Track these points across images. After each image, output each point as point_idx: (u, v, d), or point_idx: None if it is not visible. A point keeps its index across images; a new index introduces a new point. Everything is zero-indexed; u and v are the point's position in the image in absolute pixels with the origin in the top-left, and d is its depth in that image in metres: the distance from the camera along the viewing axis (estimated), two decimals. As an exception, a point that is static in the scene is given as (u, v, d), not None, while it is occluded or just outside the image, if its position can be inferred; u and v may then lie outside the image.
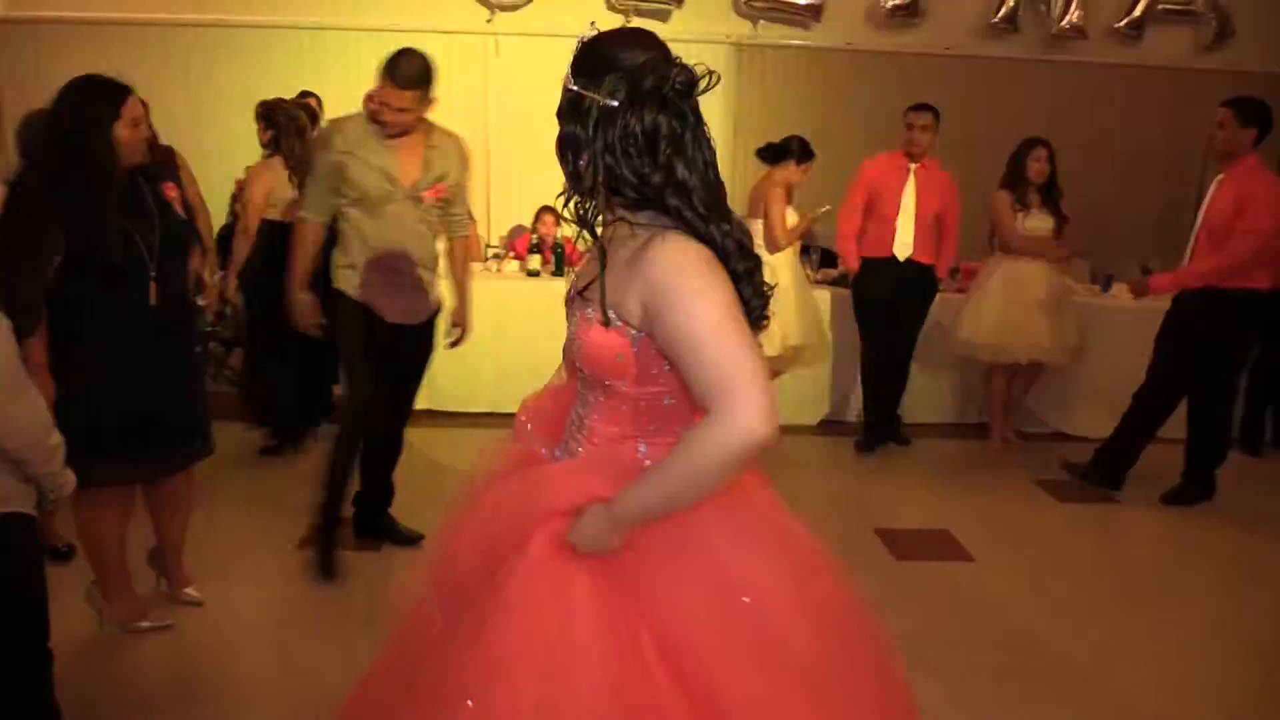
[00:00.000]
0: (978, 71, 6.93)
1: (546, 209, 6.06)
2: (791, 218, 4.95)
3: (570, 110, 1.51)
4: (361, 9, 6.64)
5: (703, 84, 1.51)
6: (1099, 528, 4.32)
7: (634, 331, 1.46)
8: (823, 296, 5.43)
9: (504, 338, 5.26)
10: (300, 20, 6.64)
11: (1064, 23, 6.84)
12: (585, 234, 1.55)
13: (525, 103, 6.80)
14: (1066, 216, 5.01)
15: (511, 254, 5.93)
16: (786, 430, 4.69)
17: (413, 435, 5.04)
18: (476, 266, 5.75)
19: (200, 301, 3.17)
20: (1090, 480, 4.66)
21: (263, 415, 4.94)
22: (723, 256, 1.47)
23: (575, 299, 1.55)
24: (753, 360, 1.36)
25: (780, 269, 4.93)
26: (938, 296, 5.24)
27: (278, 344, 4.65)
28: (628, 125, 1.45)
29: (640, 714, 1.37)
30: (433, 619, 1.58)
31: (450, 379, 5.28)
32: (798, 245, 5.11)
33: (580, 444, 1.60)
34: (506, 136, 6.83)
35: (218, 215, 5.69)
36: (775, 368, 5.02)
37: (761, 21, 6.88)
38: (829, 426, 5.47)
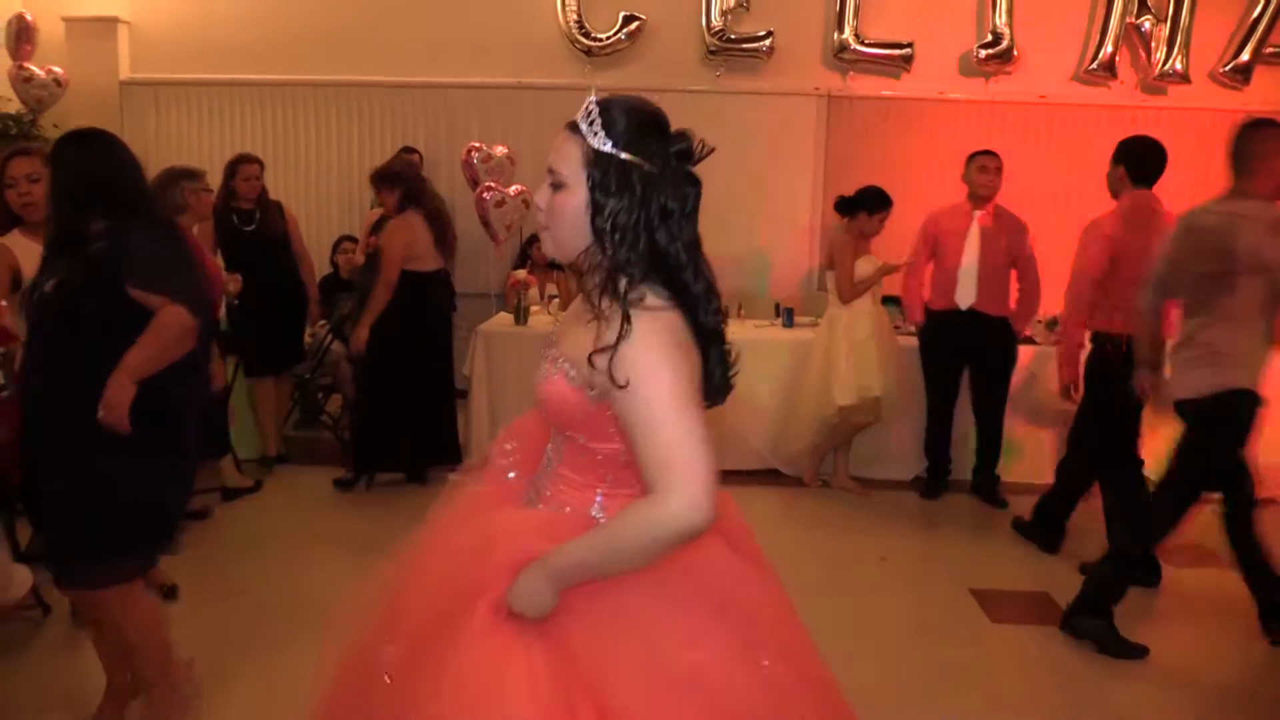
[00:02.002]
0: (1073, 119, 6.81)
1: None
2: (867, 268, 4.90)
3: (613, 178, 1.48)
4: (460, 65, 6.86)
5: (699, 153, 1.57)
6: (1210, 595, 4.12)
7: (591, 392, 1.48)
8: (915, 349, 5.32)
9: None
10: (400, 78, 6.89)
11: (1165, 68, 6.68)
12: (605, 305, 1.49)
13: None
14: None
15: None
16: (881, 486, 4.62)
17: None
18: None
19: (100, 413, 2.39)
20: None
21: (370, 459, 5.00)
22: (701, 335, 1.52)
23: (551, 346, 1.60)
24: (699, 447, 1.38)
25: (860, 320, 4.89)
26: (1036, 350, 5.09)
27: (395, 391, 4.81)
28: (663, 195, 1.50)
29: None
30: (385, 665, 1.56)
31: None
32: (878, 295, 5.05)
33: (547, 486, 1.63)
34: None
35: (320, 266, 5.90)
36: (854, 419, 4.94)
37: (851, 73, 6.89)
38: (922, 483, 5.34)
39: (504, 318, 5.76)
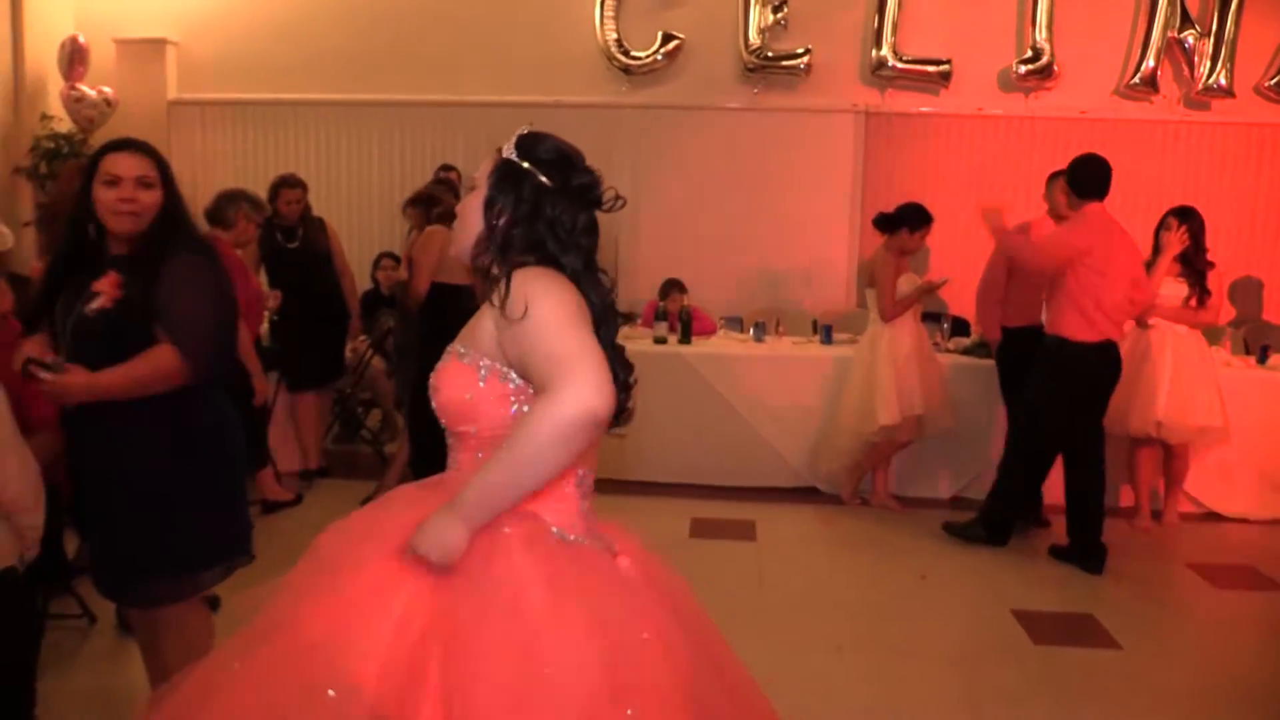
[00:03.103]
0: (1114, 134, 6.74)
1: (674, 283, 6.14)
2: (907, 286, 4.87)
3: (508, 179, 1.66)
4: (499, 83, 6.93)
5: (607, 205, 1.72)
6: (1258, 616, 4.03)
7: (483, 362, 1.58)
8: (957, 366, 5.26)
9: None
10: (441, 96, 6.97)
11: (1209, 82, 6.60)
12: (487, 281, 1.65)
13: (656, 172, 6.96)
14: (1209, 289, 4.76)
15: (640, 322, 6.01)
16: (921, 504, 4.58)
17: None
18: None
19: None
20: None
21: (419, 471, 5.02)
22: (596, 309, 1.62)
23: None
24: (589, 346, 1.46)
25: (900, 337, 4.85)
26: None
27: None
28: (555, 207, 1.64)
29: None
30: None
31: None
32: (919, 312, 5.01)
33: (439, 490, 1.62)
34: (636, 206, 6.97)
35: (361, 282, 5.97)
36: (895, 437, 4.91)
37: (889, 89, 6.87)
38: (961, 502, 5.28)
39: (542, 334, 5.79)
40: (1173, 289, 4.77)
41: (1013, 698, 3.21)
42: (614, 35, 6.83)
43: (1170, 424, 4.72)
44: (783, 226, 6.89)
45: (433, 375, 1.65)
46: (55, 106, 7.05)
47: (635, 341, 5.58)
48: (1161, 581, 4.34)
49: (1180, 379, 4.73)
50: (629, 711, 1.39)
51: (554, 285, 1.55)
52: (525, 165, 1.65)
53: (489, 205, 1.66)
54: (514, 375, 1.57)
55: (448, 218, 4.92)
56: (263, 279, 5.16)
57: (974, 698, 3.19)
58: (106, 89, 7.04)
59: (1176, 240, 4.74)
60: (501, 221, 1.65)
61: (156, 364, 2.35)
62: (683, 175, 6.94)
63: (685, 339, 5.52)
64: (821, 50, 6.75)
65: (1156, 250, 4.81)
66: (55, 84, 7.01)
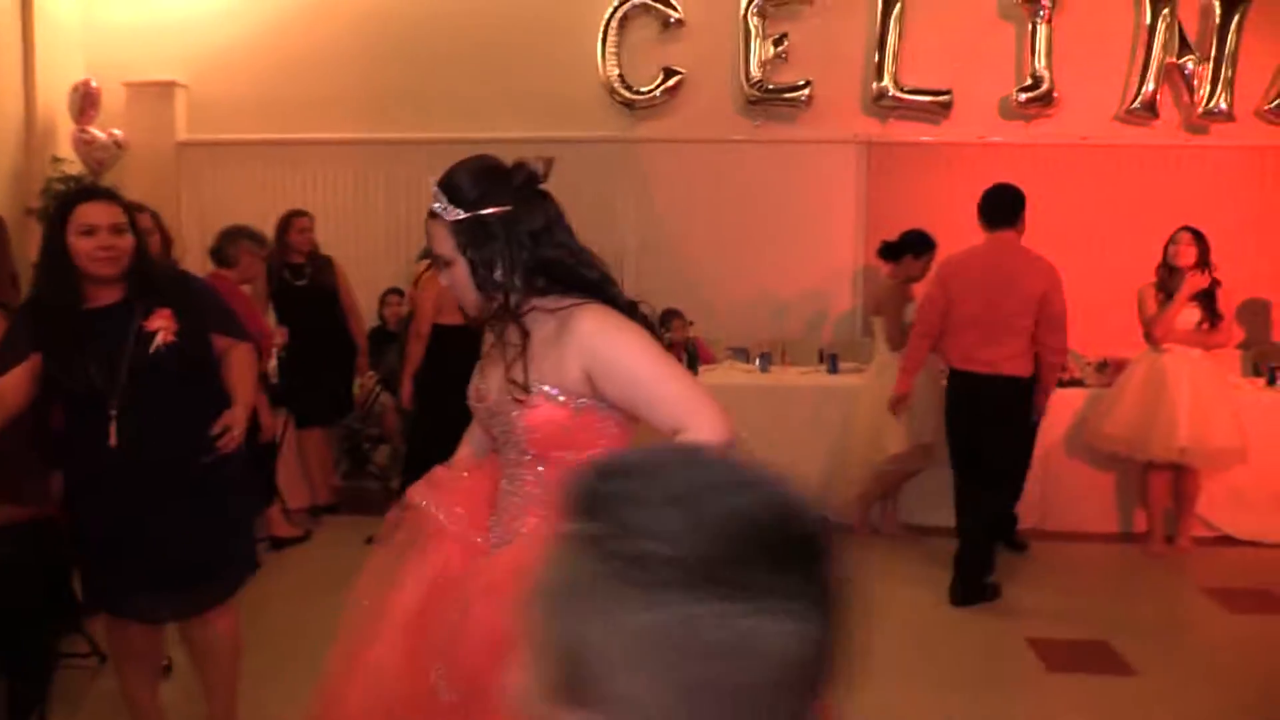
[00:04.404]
0: (1115, 160, 6.77)
1: (673, 313, 6.17)
2: (913, 314, 4.88)
3: (476, 236, 1.68)
4: (502, 120, 6.99)
5: (545, 177, 1.76)
6: (1274, 640, 4.00)
7: (579, 401, 1.66)
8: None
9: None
10: (445, 134, 7.03)
11: (1209, 106, 6.63)
12: (502, 326, 1.72)
13: (659, 205, 7.01)
14: (1220, 313, 4.76)
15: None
16: (931, 533, 4.55)
17: (547, 532, 5.13)
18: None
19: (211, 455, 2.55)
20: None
21: None
22: (627, 311, 1.72)
23: (499, 392, 1.72)
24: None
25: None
26: (1088, 391, 5.04)
27: (442, 439, 4.84)
28: (524, 223, 1.70)
29: None
30: (441, 689, 1.62)
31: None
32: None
33: (519, 520, 1.71)
34: (641, 239, 7.02)
35: (369, 318, 6.01)
36: (905, 465, 4.89)
37: (890, 119, 6.92)
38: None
39: (549, 367, 5.80)
40: (1185, 314, 4.78)
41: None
42: (616, 71, 6.90)
43: (1193, 448, 4.71)
44: (786, 257, 6.91)
45: (517, 420, 1.69)
46: (66, 149, 7.13)
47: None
48: (1176, 606, 4.31)
49: (1199, 402, 4.73)
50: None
51: (622, 329, 1.66)
52: (478, 214, 1.68)
53: (477, 268, 1.69)
54: (605, 407, 1.68)
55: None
56: (270, 317, 5.19)
57: (989, 727, 3.17)
58: (116, 131, 7.12)
59: (1197, 280, 4.74)
60: (497, 274, 1.69)
61: (246, 360, 2.72)
62: (686, 208, 6.98)
63: (691, 369, 5.52)
64: (822, 82, 6.80)
65: (1166, 267, 4.82)
66: (66, 127, 7.09)
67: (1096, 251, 6.16)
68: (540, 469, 1.72)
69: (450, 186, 1.71)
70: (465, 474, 1.88)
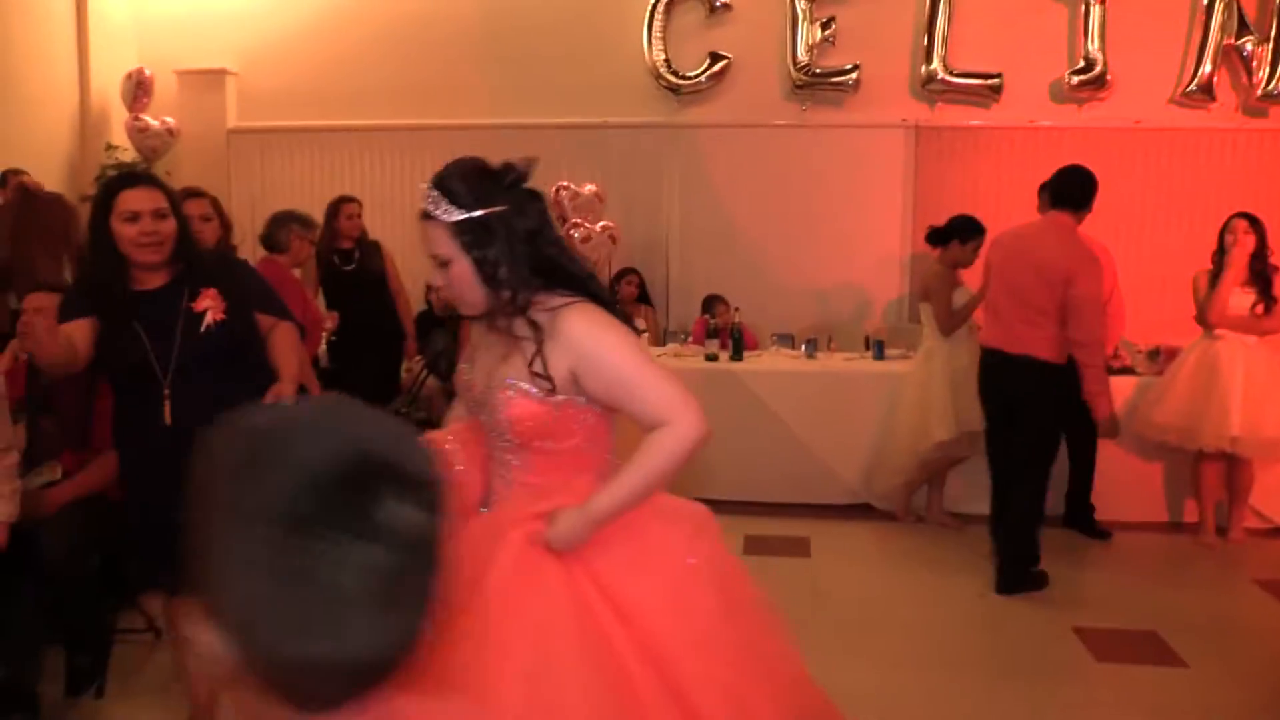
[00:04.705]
0: (1170, 144, 6.63)
1: (716, 298, 6.17)
2: (962, 298, 4.83)
3: (479, 236, 1.73)
4: (548, 106, 7.01)
5: (530, 175, 1.80)
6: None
7: (559, 396, 1.74)
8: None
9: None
10: (492, 120, 7.07)
11: (1269, 88, 6.47)
12: (506, 319, 1.78)
13: (705, 190, 6.99)
14: (1276, 297, 4.66)
15: (690, 339, 6.02)
16: (977, 520, 4.48)
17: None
18: (655, 351, 5.88)
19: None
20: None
21: None
22: (608, 307, 1.80)
23: (485, 383, 1.81)
24: (674, 380, 1.74)
25: (959, 352, 4.80)
26: (1138, 379, 4.96)
27: None
28: (520, 222, 1.75)
29: (622, 703, 1.60)
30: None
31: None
32: (975, 326, 4.97)
33: (514, 494, 1.83)
34: (686, 224, 7.02)
35: (416, 303, 6.07)
36: (951, 453, 4.85)
37: (939, 103, 6.84)
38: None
39: (593, 352, 5.81)
40: (1239, 298, 4.68)
41: (1077, 716, 3.16)
42: (662, 55, 6.88)
43: (1246, 438, 4.62)
44: (833, 243, 6.87)
45: (499, 411, 1.78)
46: (119, 136, 7.27)
47: (686, 359, 5.60)
48: (1227, 598, 4.24)
49: (1252, 391, 4.63)
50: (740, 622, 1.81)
51: (608, 329, 1.75)
52: (479, 214, 1.73)
53: (482, 267, 1.74)
54: (584, 400, 1.77)
55: None
56: (320, 301, 5.26)
57: (1037, 716, 3.14)
58: (169, 119, 7.24)
59: (1242, 250, 4.64)
60: (502, 272, 1.74)
61: (290, 338, 2.76)
62: (732, 193, 6.95)
63: (737, 355, 5.52)
64: (870, 66, 6.73)
65: (1221, 252, 4.73)
66: (119, 115, 7.23)
67: (1150, 238, 6.06)
68: (524, 455, 1.81)
69: (445, 188, 1.75)
70: (466, 435, 1.95)
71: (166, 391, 2.53)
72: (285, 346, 2.73)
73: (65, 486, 3.10)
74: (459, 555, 1.64)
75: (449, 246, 1.75)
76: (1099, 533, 4.91)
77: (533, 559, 1.69)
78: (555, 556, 1.70)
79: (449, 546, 0.83)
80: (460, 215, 1.73)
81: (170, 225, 2.58)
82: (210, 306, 2.57)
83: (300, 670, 0.75)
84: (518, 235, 1.75)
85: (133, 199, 2.53)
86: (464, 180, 1.75)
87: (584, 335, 1.72)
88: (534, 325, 1.74)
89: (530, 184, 1.80)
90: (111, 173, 7.02)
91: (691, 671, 1.67)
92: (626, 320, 1.84)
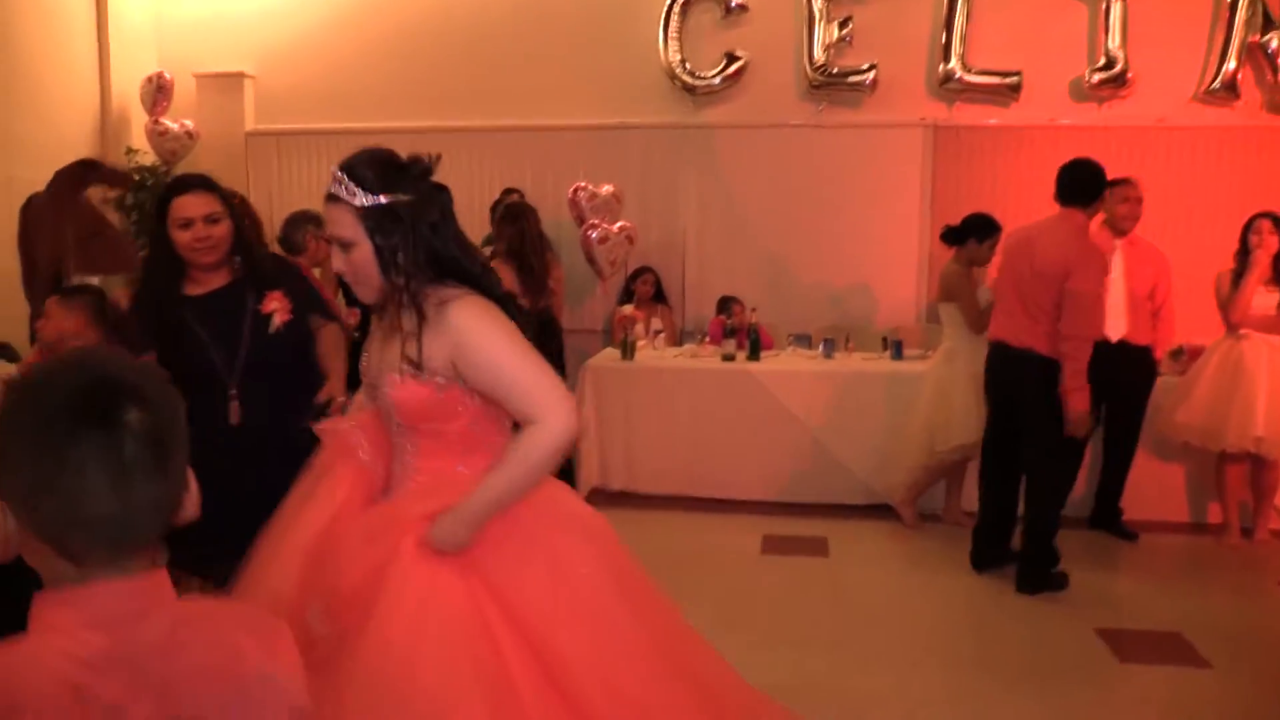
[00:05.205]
0: (1193, 142, 6.57)
1: (730, 299, 6.15)
2: (986, 296, 4.79)
3: (383, 222, 1.78)
4: (564, 107, 7.01)
5: (435, 168, 1.87)
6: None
7: (440, 380, 1.79)
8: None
9: (697, 422, 5.31)
10: (509, 121, 7.08)
11: (1295, 83, 6.40)
12: (403, 309, 1.83)
13: (721, 191, 6.98)
14: None
15: (707, 339, 6.00)
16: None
17: (609, 516, 5.14)
18: (672, 351, 5.86)
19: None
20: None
21: None
22: (500, 303, 1.85)
23: (378, 366, 1.87)
24: (550, 377, 1.79)
25: (980, 352, 4.72)
26: (1162, 379, 4.91)
27: None
28: (425, 213, 1.80)
29: (497, 688, 1.65)
30: (317, 620, 1.77)
31: (646, 462, 5.36)
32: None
33: (409, 479, 1.89)
34: (703, 224, 7.00)
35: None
36: (967, 455, 4.79)
37: (958, 102, 6.80)
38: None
39: (610, 353, 5.81)
40: (1262, 298, 4.63)
41: (1099, 717, 3.12)
42: (678, 56, 6.87)
43: (1270, 438, 4.57)
44: (850, 243, 6.84)
45: (387, 393, 1.84)
46: (139, 140, 7.32)
47: (703, 360, 5.58)
48: (1251, 599, 4.19)
49: (1277, 391, 4.57)
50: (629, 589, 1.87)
51: (491, 322, 1.80)
52: (385, 201, 1.78)
53: (383, 254, 1.79)
54: (466, 386, 1.81)
55: (511, 252, 4.92)
56: (340, 300, 5.26)
57: (1059, 716, 3.10)
58: (188, 122, 7.29)
59: (1266, 250, 4.59)
60: (400, 259, 1.79)
61: (337, 338, 2.85)
62: (748, 193, 6.93)
63: (754, 356, 5.50)
64: (887, 65, 6.70)
65: (1244, 252, 4.67)
66: (139, 118, 7.27)
67: (1173, 237, 5.97)
68: (415, 438, 1.88)
69: (355, 173, 1.79)
70: (370, 424, 2.00)
71: (234, 392, 2.59)
72: (332, 347, 2.82)
73: None
74: (353, 550, 1.77)
75: (354, 230, 1.79)
76: (1126, 534, 4.86)
77: (427, 572, 1.73)
78: (451, 569, 1.73)
79: (183, 441, 1.06)
80: (368, 201, 1.77)
81: (223, 229, 2.64)
82: (277, 308, 2.66)
83: (76, 527, 0.98)
84: (421, 226, 1.79)
85: (185, 205, 2.60)
86: (373, 167, 1.80)
87: (466, 328, 1.77)
88: (419, 313, 1.79)
89: (435, 179, 1.86)
90: (133, 177, 7.08)
91: (590, 678, 1.72)
92: (520, 321, 1.87)
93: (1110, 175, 4.83)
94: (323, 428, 2.02)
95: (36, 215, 4.56)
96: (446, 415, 1.83)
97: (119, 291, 3.00)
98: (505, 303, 1.87)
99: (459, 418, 1.84)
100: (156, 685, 1.01)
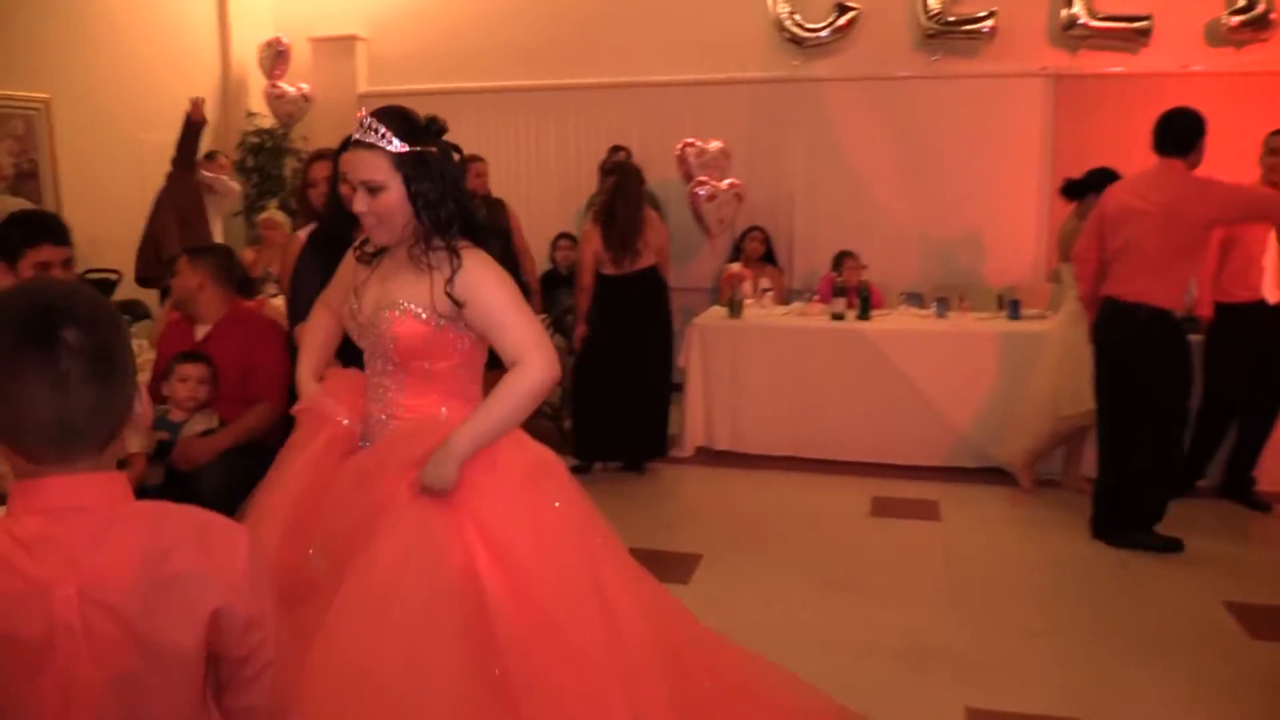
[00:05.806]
0: (1344, 88, 6.14)
1: (846, 254, 6.03)
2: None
3: (419, 169, 1.94)
4: (670, 63, 6.94)
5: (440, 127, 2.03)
6: None
7: (440, 320, 1.98)
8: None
9: (805, 382, 5.25)
10: (616, 78, 7.05)
11: None
12: (429, 251, 2.00)
13: (831, 146, 6.83)
14: None
15: (816, 297, 5.91)
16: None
17: (714, 475, 5.16)
18: (779, 309, 5.80)
19: None
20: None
21: (588, 449, 5.17)
22: (497, 259, 2.04)
23: (377, 303, 2.03)
24: (538, 327, 2.03)
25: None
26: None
27: (606, 385, 4.97)
28: (448, 166, 1.99)
29: (476, 619, 1.80)
30: (316, 562, 1.97)
31: (752, 421, 5.34)
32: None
33: (389, 416, 2.06)
34: (812, 181, 6.88)
35: (540, 262, 6.13)
36: (1090, 420, 4.62)
37: (1082, 49, 6.49)
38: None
39: (717, 311, 5.79)
40: None
41: (1228, 694, 3.00)
42: (786, 8, 6.73)
43: None
44: (964, 199, 6.63)
45: (386, 327, 1.99)
46: (258, 103, 7.53)
47: (812, 318, 5.51)
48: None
49: None
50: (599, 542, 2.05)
51: (495, 274, 2.00)
52: (420, 149, 1.94)
53: (417, 199, 1.94)
54: (462, 326, 2.00)
55: (604, 213, 4.93)
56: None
57: (1185, 690, 2.99)
58: (304, 85, 7.47)
59: None
60: (433, 204, 1.95)
61: None
62: (858, 148, 6.77)
63: (864, 314, 5.40)
64: (1007, 11, 6.44)
65: None
66: (257, 82, 7.49)
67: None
68: (402, 377, 2.04)
69: (388, 121, 1.94)
70: (344, 389, 2.19)
71: None
72: None
73: (223, 434, 3.21)
74: (346, 494, 1.95)
75: (388, 174, 1.93)
76: (1259, 504, 4.63)
77: (419, 513, 1.88)
78: (443, 507, 1.88)
79: (125, 357, 1.18)
80: (403, 148, 1.92)
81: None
82: None
83: (24, 430, 1.14)
84: (446, 178, 1.97)
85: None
86: (403, 118, 1.96)
87: (476, 274, 1.97)
88: (454, 253, 1.97)
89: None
90: (253, 140, 7.30)
91: (563, 607, 1.86)
92: (514, 275, 2.07)
93: (1248, 126, 4.57)
94: (298, 410, 2.19)
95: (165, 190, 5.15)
96: (439, 353, 2.01)
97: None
98: (502, 260, 2.07)
99: (449, 358, 2.03)
100: (84, 571, 1.14)
